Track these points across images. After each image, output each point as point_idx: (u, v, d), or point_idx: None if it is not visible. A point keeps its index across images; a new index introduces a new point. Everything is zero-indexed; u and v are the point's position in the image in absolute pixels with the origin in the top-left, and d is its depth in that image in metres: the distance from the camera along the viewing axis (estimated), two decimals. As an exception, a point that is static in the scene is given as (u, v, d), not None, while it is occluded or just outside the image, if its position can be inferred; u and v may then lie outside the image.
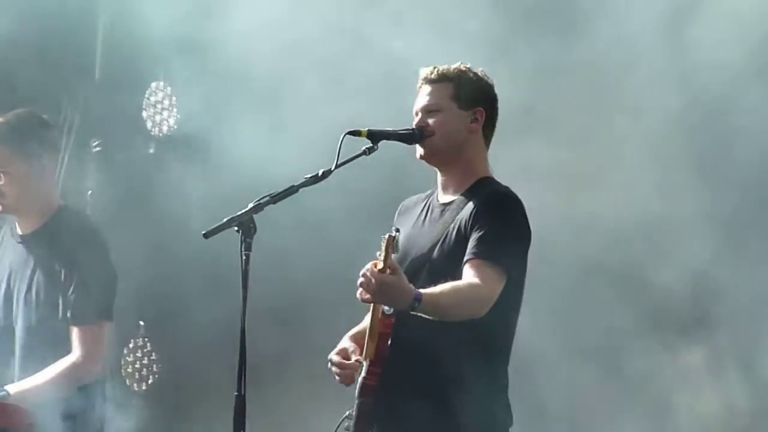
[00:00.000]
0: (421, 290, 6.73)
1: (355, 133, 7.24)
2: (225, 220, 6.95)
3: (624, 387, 11.82)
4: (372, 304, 6.91)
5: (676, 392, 11.62)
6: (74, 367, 8.37)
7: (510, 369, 7.52)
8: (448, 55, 8.27)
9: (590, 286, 11.72)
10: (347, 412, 7.23)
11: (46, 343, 8.64)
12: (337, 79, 11.56)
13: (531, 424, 9.92)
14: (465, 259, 6.98)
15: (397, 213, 7.79)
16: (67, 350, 8.46)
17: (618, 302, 11.85)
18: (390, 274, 6.55)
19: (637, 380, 11.89)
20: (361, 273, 6.61)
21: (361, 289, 6.62)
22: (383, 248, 6.71)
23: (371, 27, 11.38)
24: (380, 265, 6.58)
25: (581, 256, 11.82)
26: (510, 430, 7.34)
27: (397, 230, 6.86)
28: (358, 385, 7.12)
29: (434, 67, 7.46)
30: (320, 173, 7.08)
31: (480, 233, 7.09)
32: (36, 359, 8.59)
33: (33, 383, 8.37)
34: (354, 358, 7.23)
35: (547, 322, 10.98)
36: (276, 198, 7.02)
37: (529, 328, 8.20)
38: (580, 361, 11.88)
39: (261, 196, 7.05)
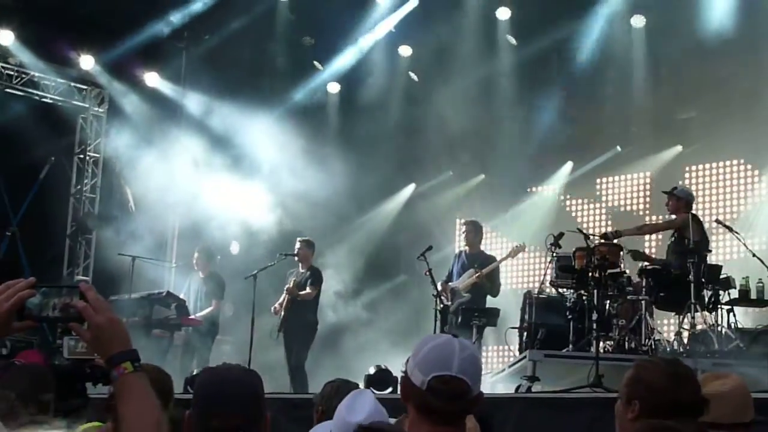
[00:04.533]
0: (298, 291, 12.05)
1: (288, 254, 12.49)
2: (247, 275, 12.15)
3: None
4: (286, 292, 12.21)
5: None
6: (212, 311, 12.96)
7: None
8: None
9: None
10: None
11: (203, 304, 13.08)
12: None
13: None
14: (308, 285, 12.28)
15: (289, 274, 12.59)
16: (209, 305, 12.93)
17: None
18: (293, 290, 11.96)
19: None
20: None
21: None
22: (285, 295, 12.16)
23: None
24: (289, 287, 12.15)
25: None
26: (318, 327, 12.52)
27: (287, 288, 12.25)
28: (282, 316, 12.24)
29: None
30: (273, 263, 12.42)
31: (310, 280, 12.36)
32: (201, 308, 12.97)
33: (202, 313, 12.90)
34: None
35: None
36: (266, 267, 12.33)
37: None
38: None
39: (261, 267, 12.30)
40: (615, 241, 11.03)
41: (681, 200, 11.21)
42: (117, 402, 2.56)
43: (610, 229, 12.10)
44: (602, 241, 10.94)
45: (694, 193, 11.91)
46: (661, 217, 12.57)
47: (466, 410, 2.95)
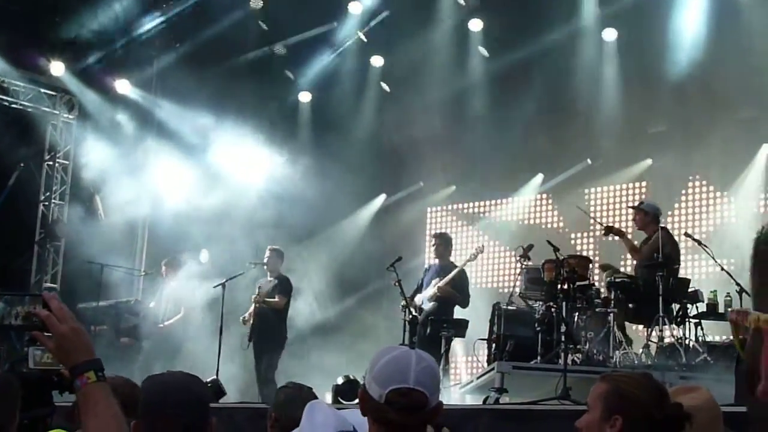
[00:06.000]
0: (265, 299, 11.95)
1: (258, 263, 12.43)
2: (216, 284, 11.99)
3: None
4: (254, 302, 12.06)
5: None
6: (180, 319, 12.94)
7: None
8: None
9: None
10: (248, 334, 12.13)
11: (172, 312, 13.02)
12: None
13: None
14: (276, 294, 12.11)
15: (258, 283, 12.49)
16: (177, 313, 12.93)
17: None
18: (259, 298, 11.75)
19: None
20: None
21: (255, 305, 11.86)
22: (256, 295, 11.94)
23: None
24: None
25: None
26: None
27: (254, 298, 12.14)
28: (251, 323, 12.04)
29: None
30: (242, 272, 12.26)
31: (278, 289, 12.21)
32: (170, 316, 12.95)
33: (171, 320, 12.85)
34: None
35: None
36: (235, 276, 12.22)
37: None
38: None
39: (231, 276, 12.16)
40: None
41: (648, 215, 11.19)
42: (80, 411, 2.55)
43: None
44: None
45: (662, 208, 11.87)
46: (630, 229, 12.54)
47: (425, 421, 2.93)
